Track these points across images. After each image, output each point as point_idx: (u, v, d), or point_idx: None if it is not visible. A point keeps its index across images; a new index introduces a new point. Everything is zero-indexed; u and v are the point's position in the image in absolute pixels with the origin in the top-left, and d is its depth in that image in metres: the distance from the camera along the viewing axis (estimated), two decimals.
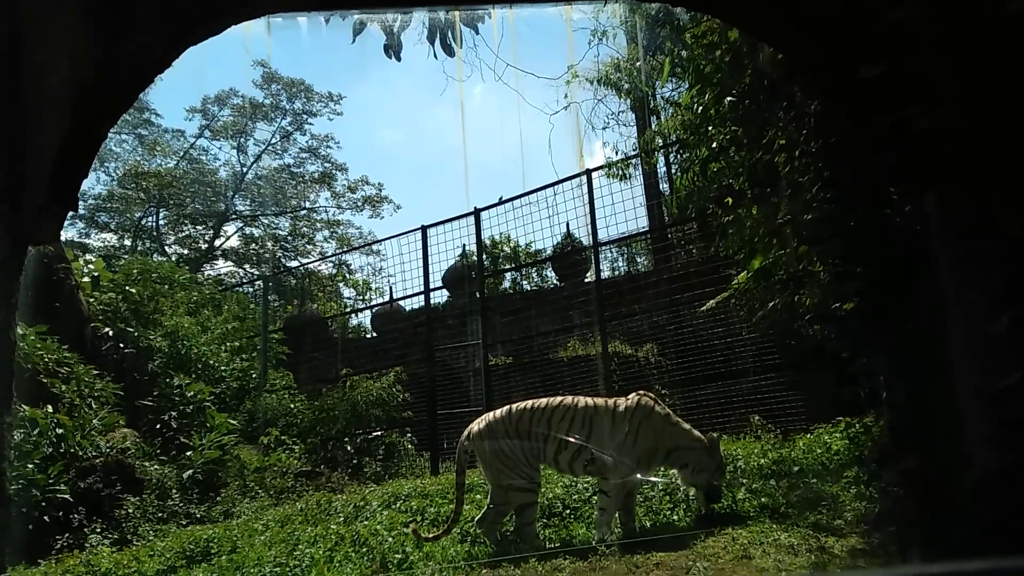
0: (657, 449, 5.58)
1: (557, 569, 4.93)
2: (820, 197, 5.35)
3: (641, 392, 5.87)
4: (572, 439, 5.66)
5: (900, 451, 4.94)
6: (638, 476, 5.66)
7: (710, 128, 6.65)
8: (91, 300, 11.47)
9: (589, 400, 5.84)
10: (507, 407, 5.95)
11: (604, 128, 16.72)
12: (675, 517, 5.80)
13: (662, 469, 5.86)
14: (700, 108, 6.61)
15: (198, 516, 8.54)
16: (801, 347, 7.29)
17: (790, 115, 5.62)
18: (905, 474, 4.89)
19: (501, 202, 11.05)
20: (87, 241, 25.96)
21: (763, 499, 5.73)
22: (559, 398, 5.92)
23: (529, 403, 5.92)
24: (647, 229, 11.55)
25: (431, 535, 5.87)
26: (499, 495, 5.75)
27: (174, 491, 8.74)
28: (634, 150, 12.38)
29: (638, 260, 14.15)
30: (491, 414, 6.00)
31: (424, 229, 11.61)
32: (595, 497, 5.85)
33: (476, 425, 5.96)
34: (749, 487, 5.95)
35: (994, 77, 2.89)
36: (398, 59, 5.73)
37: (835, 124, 4.83)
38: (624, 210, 14.84)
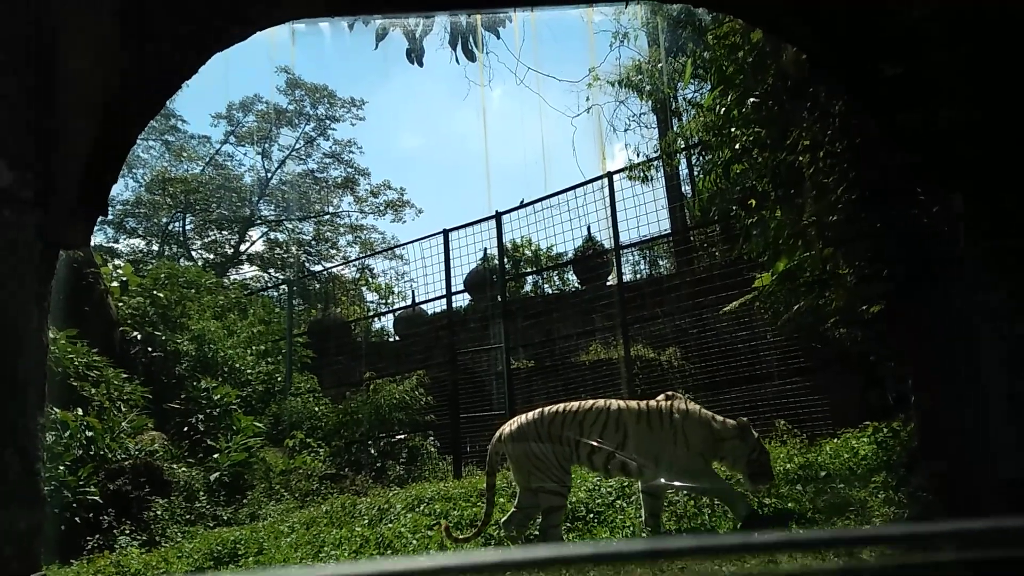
0: (703, 444, 5.57)
1: (581, 572, 4.91)
2: (845, 198, 5.29)
3: (670, 393, 5.85)
4: (594, 442, 5.67)
5: (929, 455, 4.86)
6: (662, 480, 5.64)
7: (733, 129, 6.60)
8: (120, 304, 11.67)
9: (622, 403, 5.84)
10: (539, 410, 5.98)
11: (626, 130, 16.71)
12: (701, 521, 5.75)
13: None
14: (723, 109, 6.57)
15: (225, 518, 8.64)
16: (827, 350, 7.20)
17: (814, 115, 5.57)
18: (935, 478, 4.81)
19: (522, 205, 11.06)
20: (116, 246, 26.44)
21: (790, 504, 5.67)
22: (591, 401, 5.94)
23: (561, 406, 5.93)
24: (669, 232, 11.49)
25: (462, 536, 5.90)
26: (527, 497, 5.77)
27: (201, 493, 8.85)
28: (656, 152, 12.34)
29: (660, 263, 14.08)
30: (523, 416, 6.02)
31: (446, 233, 11.66)
32: (619, 501, 5.84)
33: (507, 427, 5.99)
34: (776, 492, 5.89)
35: (1012, 76, 2.84)
36: (420, 64, 5.77)
37: (859, 124, 4.78)
38: (646, 213, 14.83)
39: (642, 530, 5.57)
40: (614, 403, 5.83)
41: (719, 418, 5.74)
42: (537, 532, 5.77)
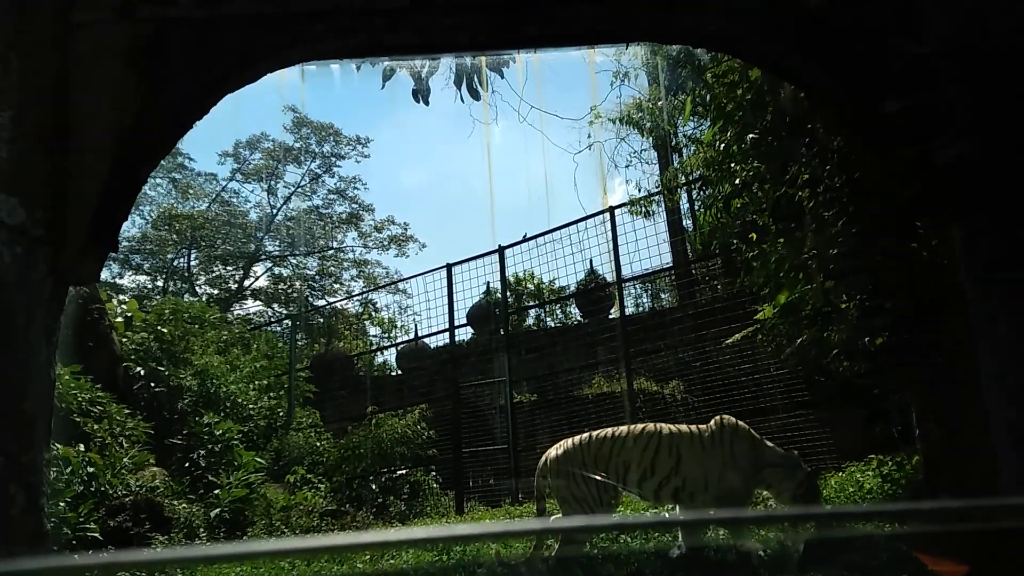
0: (754, 469, 5.46)
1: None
2: (845, 232, 5.34)
3: (723, 415, 5.79)
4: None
5: (935, 489, 4.83)
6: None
7: (733, 165, 6.68)
8: (124, 340, 11.69)
9: (674, 427, 5.74)
10: (585, 435, 5.87)
11: (627, 166, 16.91)
12: (710, 556, 5.69)
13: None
14: (722, 145, 6.66)
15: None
16: (830, 383, 7.18)
17: (813, 151, 5.65)
18: None
19: (525, 239, 11.14)
20: (120, 282, 26.57)
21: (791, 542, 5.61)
22: (640, 425, 5.83)
23: (609, 431, 5.82)
24: (671, 265, 11.54)
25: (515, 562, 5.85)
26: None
27: (202, 530, 8.77)
28: (657, 187, 12.46)
29: (662, 296, 14.11)
30: (567, 442, 5.92)
31: (449, 267, 11.72)
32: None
33: (553, 451, 5.89)
34: (780, 527, 5.83)
35: (1017, 110, 2.90)
36: (426, 103, 5.89)
37: (858, 159, 4.85)
38: (648, 246, 14.95)
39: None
40: (665, 427, 5.71)
41: (770, 444, 5.65)
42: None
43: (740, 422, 5.67)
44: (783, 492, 5.44)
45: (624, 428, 5.82)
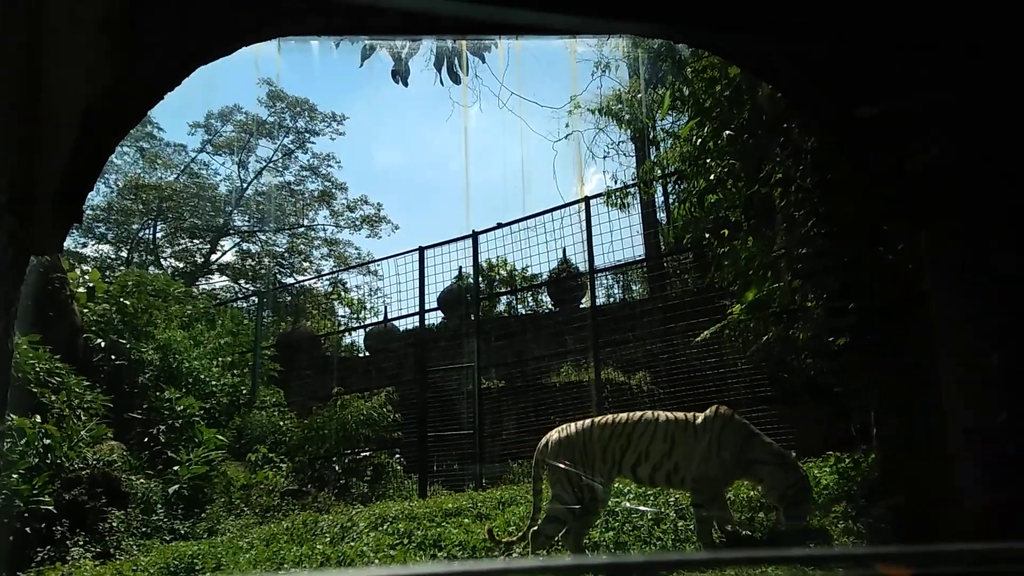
0: (739, 460, 5.61)
1: None
2: (815, 232, 5.42)
3: (718, 404, 5.92)
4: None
5: (889, 487, 4.95)
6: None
7: (708, 160, 6.73)
8: (85, 311, 11.44)
9: (670, 415, 5.93)
10: (588, 420, 6.06)
11: (604, 157, 16.89)
12: (663, 546, 5.78)
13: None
14: (699, 140, 6.70)
15: (182, 532, 8.46)
16: (793, 380, 7.31)
17: (787, 151, 5.71)
18: (893, 510, 4.90)
19: (499, 226, 11.11)
20: (83, 251, 25.94)
21: (752, 532, 5.73)
22: (639, 413, 6.02)
23: (609, 417, 6.02)
24: (643, 257, 11.61)
25: (507, 539, 5.94)
26: (559, 509, 5.76)
27: (159, 506, 8.66)
28: (633, 179, 12.52)
29: (633, 288, 14.21)
30: (568, 426, 6.08)
31: (422, 250, 11.66)
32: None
33: (555, 434, 6.04)
34: (738, 520, 5.94)
35: (988, 120, 2.95)
36: (405, 84, 5.80)
37: (831, 160, 4.91)
38: (621, 238, 15.02)
39: (695, 542, 5.60)
40: (662, 414, 5.92)
41: (766, 440, 5.77)
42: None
43: (736, 415, 5.80)
44: (774, 489, 5.57)
45: (623, 415, 6.02)
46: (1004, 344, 2.84)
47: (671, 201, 12.05)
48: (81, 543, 7.46)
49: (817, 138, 4.98)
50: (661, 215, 13.25)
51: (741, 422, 5.77)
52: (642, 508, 6.18)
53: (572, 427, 6.05)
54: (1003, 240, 2.91)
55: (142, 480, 8.86)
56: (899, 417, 4.75)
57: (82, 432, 8.95)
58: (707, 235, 7.12)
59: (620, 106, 12.68)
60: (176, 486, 9.08)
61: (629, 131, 13.31)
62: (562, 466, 5.82)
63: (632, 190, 11.03)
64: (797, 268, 5.72)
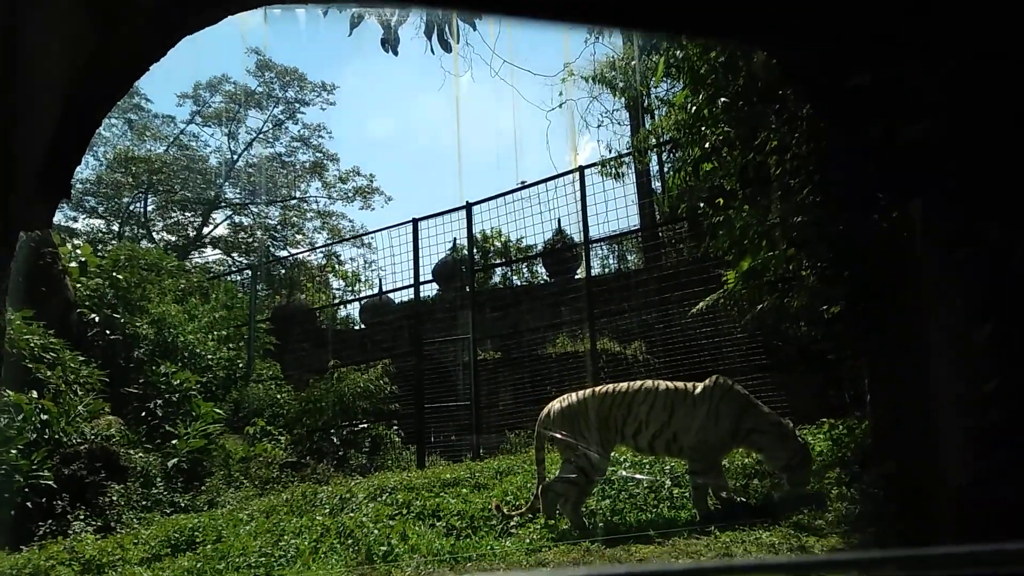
0: (736, 429, 5.70)
1: (541, 563, 4.97)
2: (810, 201, 5.40)
3: (717, 375, 5.98)
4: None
5: (881, 454, 5.01)
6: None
7: (703, 128, 6.67)
8: (78, 286, 11.39)
9: (670, 384, 6.03)
10: (589, 389, 6.16)
11: (599, 126, 16.78)
12: (659, 513, 5.86)
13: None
14: (694, 108, 6.63)
15: (182, 505, 8.53)
16: (788, 348, 7.35)
17: (782, 118, 5.66)
18: (885, 477, 4.96)
19: (492, 197, 11.06)
20: (74, 226, 25.75)
21: (747, 499, 5.81)
22: (639, 382, 6.12)
23: (610, 387, 6.12)
24: (638, 227, 11.59)
25: (511, 511, 6.02)
26: (571, 472, 5.83)
27: (158, 479, 8.72)
28: (628, 148, 12.43)
29: (628, 258, 14.19)
30: (571, 395, 6.18)
31: (415, 222, 11.61)
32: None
33: (557, 404, 6.13)
34: (733, 486, 6.02)
35: (981, 91, 2.92)
36: (395, 53, 5.71)
37: (826, 130, 4.88)
38: (616, 208, 14.94)
39: (690, 511, 5.67)
40: (662, 384, 6.02)
41: (765, 409, 5.85)
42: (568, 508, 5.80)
43: (736, 385, 5.86)
44: (776, 460, 5.68)
45: (624, 384, 6.11)
46: (993, 314, 2.85)
47: (666, 170, 11.99)
48: (82, 517, 7.52)
49: (811, 106, 4.94)
50: (656, 184, 13.19)
51: (740, 392, 5.84)
52: (638, 476, 6.25)
53: (573, 396, 6.11)
54: (993, 211, 2.91)
55: (140, 454, 8.91)
56: (891, 385, 4.79)
57: (79, 407, 8.97)
58: (702, 204, 7.10)
59: (614, 74, 12.54)
60: (175, 460, 9.13)
61: (623, 99, 13.19)
62: (562, 436, 5.89)
63: (627, 159, 10.95)
64: (792, 237, 5.71)
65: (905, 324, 4.13)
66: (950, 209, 2.90)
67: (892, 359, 4.62)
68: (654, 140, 10.32)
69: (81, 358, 9.79)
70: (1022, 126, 2.52)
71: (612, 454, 6.34)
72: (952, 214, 2.90)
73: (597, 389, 6.12)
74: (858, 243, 4.91)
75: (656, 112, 11.95)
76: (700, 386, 5.86)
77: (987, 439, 2.67)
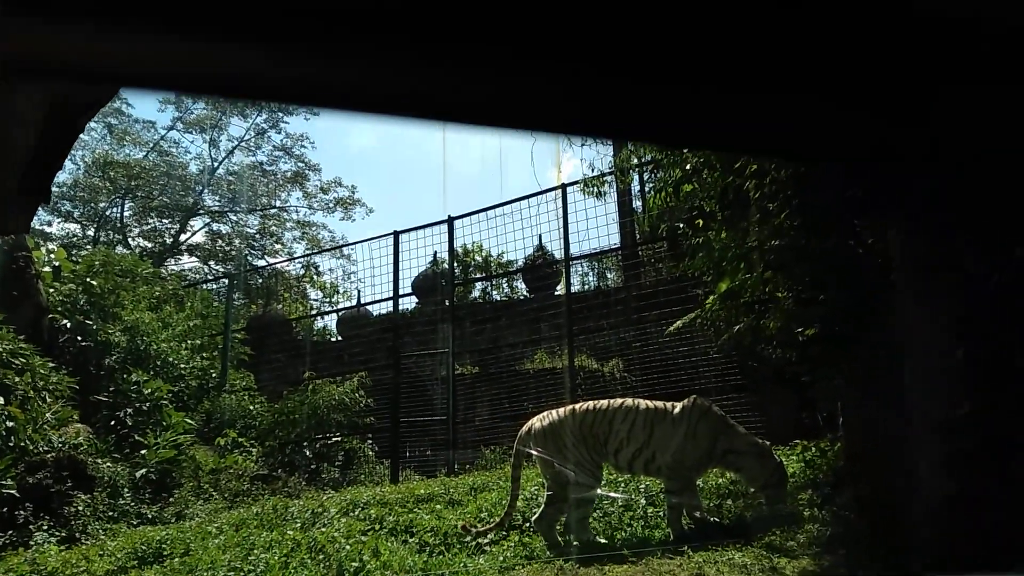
0: (713, 450, 5.73)
1: None
2: (788, 224, 5.48)
3: (696, 396, 6.02)
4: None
5: (854, 476, 5.06)
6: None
7: (684, 150, 6.75)
8: (51, 291, 11.20)
9: (649, 403, 6.04)
10: (569, 407, 6.16)
11: (582, 145, 16.84)
12: (632, 532, 5.85)
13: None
14: None
15: (150, 516, 8.37)
16: (763, 369, 7.41)
17: None
18: (857, 499, 5.01)
19: (475, 212, 11.08)
20: (49, 230, 25.35)
21: (720, 519, 5.82)
22: (619, 400, 6.13)
23: (591, 404, 6.11)
24: (619, 246, 11.66)
25: (481, 528, 5.94)
26: (557, 493, 5.79)
27: (126, 490, 8.55)
28: (610, 168, 12.53)
29: (608, 276, 14.27)
30: (553, 412, 6.16)
31: (396, 234, 11.59)
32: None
33: (537, 422, 6.09)
34: (707, 506, 6.03)
35: (960, 116, 2.99)
36: None
37: None
38: (597, 226, 15.02)
39: (664, 530, 5.67)
40: (642, 403, 6.02)
41: (741, 430, 5.90)
42: (563, 527, 5.81)
43: (713, 406, 5.91)
44: (755, 479, 5.73)
45: (604, 402, 6.12)
46: (967, 339, 2.91)
47: (647, 190, 12.10)
48: (45, 527, 7.34)
49: None
50: (637, 204, 13.30)
51: (717, 414, 5.89)
52: (612, 495, 6.25)
53: (554, 414, 6.11)
54: (969, 238, 2.97)
55: (109, 464, 8.74)
56: (865, 407, 4.84)
57: (47, 414, 8.79)
58: (682, 225, 7.17)
59: None
60: (143, 470, 8.97)
61: None
62: (539, 453, 5.88)
63: (608, 178, 11.05)
64: (769, 259, 5.78)
65: (879, 347, 4.19)
66: (927, 235, 2.96)
67: (866, 382, 4.68)
68: (636, 160, 10.42)
69: (51, 364, 9.61)
70: (1001, 152, 2.59)
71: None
72: (928, 240, 2.96)
73: (577, 407, 6.12)
74: (834, 267, 4.98)
75: None
76: (679, 406, 5.89)
77: (961, 461, 2.71)
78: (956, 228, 2.86)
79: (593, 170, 12.91)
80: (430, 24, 0.67)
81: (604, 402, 6.11)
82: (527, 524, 6.01)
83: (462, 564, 5.45)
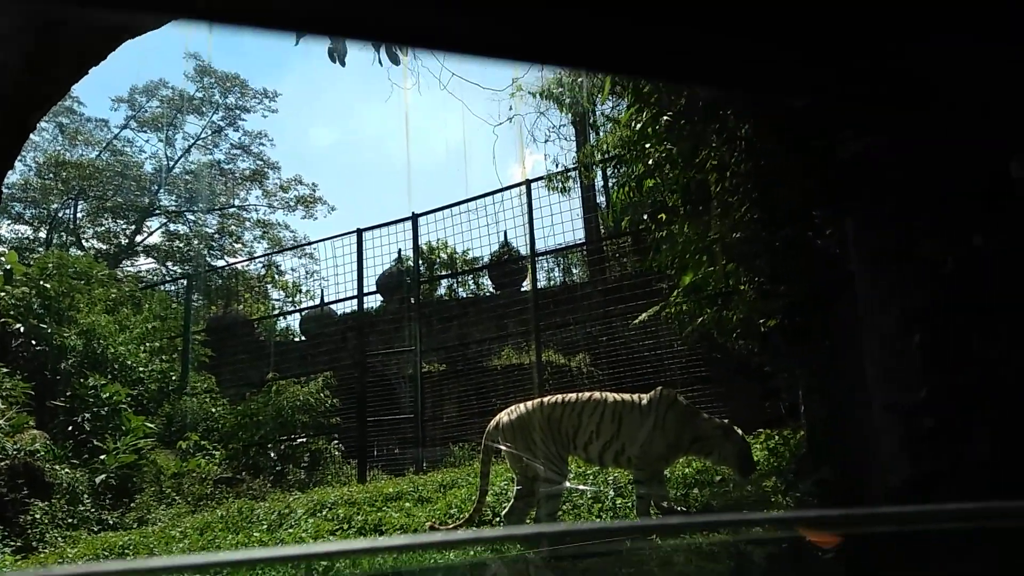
0: (681, 438, 5.78)
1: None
2: (748, 217, 5.58)
3: (662, 387, 6.05)
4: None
5: (817, 462, 5.18)
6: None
7: (647, 146, 6.82)
8: (2, 294, 10.86)
9: (617, 396, 6.06)
10: (537, 400, 6.16)
11: (546, 141, 16.94)
12: (603, 523, 5.91)
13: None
14: (638, 126, 6.78)
15: (111, 523, 8.19)
16: (727, 361, 7.54)
17: (723, 137, 5.84)
18: (820, 484, 5.13)
19: (439, 209, 11.05)
20: None
21: (687, 508, 5.91)
22: (588, 393, 6.14)
23: (559, 397, 6.12)
24: (584, 241, 11.73)
25: (451, 525, 5.90)
26: (526, 487, 5.79)
27: (86, 496, 8.35)
28: (573, 163, 12.60)
29: (574, 271, 14.35)
30: (520, 406, 6.13)
31: (360, 232, 11.48)
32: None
33: (505, 416, 6.06)
34: (673, 496, 6.12)
35: (918, 110, 3.08)
36: (342, 64, 5.64)
37: (765, 148, 5.05)
38: (562, 222, 15.12)
39: (633, 519, 5.71)
40: (610, 396, 6.04)
41: (705, 416, 5.98)
42: (533, 521, 5.81)
43: (679, 396, 5.97)
44: (726, 458, 5.79)
45: (572, 395, 6.14)
46: (923, 325, 3.00)
47: (611, 185, 12.19)
48: (0, 537, 7.13)
49: (750, 125, 5.10)
50: (601, 199, 13.39)
51: (683, 403, 5.96)
52: (581, 487, 6.30)
53: (522, 407, 6.10)
54: (923, 227, 3.06)
55: (67, 470, 8.52)
56: (826, 395, 4.96)
57: (1, 421, 8.53)
58: (645, 219, 7.24)
59: (561, 90, 12.72)
60: (103, 476, 8.77)
61: (570, 115, 13.38)
62: (507, 448, 5.88)
63: (572, 174, 11.12)
64: (731, 252, 5.88)
65: (839, 336, 4.29)
66: (883, 225, 3.04)
67: (826, 371, 4.79)
68: (599, 156, 10.50)
69: (4, 370, 9.33)
70: (953, 145, 2.67)
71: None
72: (883, 229, 3.04)
73: (546, 400, 6.14)
74: (794, 259, 5.09)
75: (601, 129, 12.17)
76: (646, 398, 5.95)
77: (919, 445, 2.79)
78: (910, 217, 2.94)
79: (557, 166, 13.00)
80: None
81: (572, 395, 6.14)
82: (497, 519, 6.02)
83: (432, 560, 5.44)
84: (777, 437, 6.71)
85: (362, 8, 0.68)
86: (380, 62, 5.98)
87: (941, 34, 0.91)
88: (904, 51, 0.93)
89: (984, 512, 0.97)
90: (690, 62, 0.84)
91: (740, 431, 5.95)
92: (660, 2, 0.74)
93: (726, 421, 6.02)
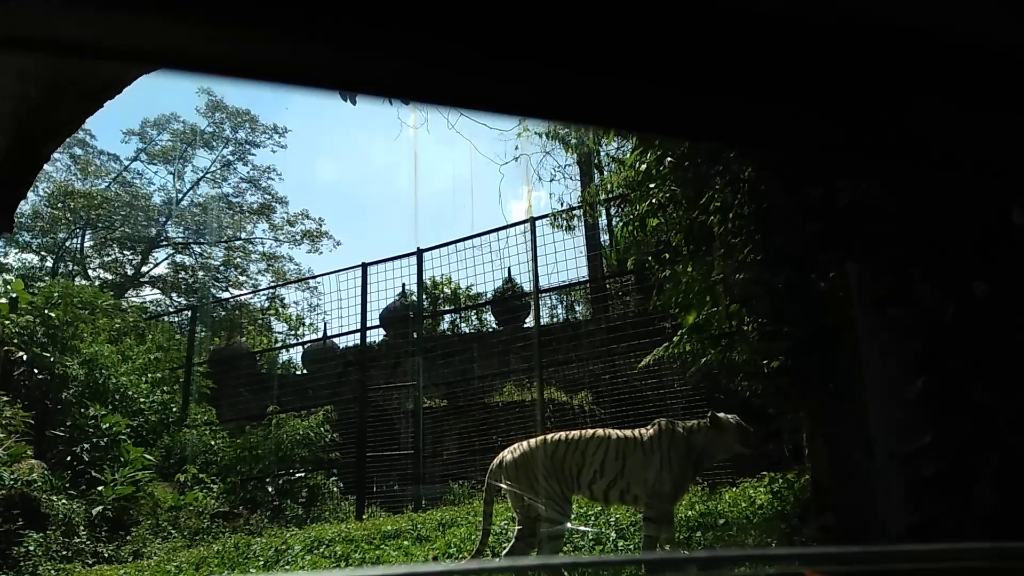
0: (686, 471, 5.73)
1: None
2: (751, 259, 5.60)
3: (662, 420, 6.01)
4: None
5: (820, 506, 5.12)
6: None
7: (651, 186, 6.89)
8: (7, 323, 10.89)
9: (620, 432, 5.98)
10: (540, 438, 6.06)
11: (551, 180, 17.12)
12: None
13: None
14: (642, 167, 6.85)
15: (106, 555, 8.09)
16: (730, 402, 7.49)
17: (725, 179, 5.90)
18: (823, 530, 5.06)
19: (444, 245, 11.12)
20: (6, 260, 24.73)
21: (690, 551, 5.82)
22: (591, 431, 6.06)
23: (561, 435, 6.04)
24: (587, 279, 11.77)
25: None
26: (528, 526, 5.71)
27: (81, 528, 8.26)
28: (578, 202, 12.71)
29: (577, 308, 14.37)
30: (523, 444, 6.05)
31: (364, 267, 11.54)
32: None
33: (508, 454, 5.98)
34: (678, 539, 6.03)
35: (915, 157, 3.12)
36: (353, 103, 5.73)
37: (767, 191, 5.10)
38: (566, 259, 15.22)
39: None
40: (613, 433, 5.96)
41: (695, 426, 5.86)
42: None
43: (678, 425, 5.88)
44: (731, 448, 5.72)
45: (576, 433, 6.05)
46: (925, 371, 2.99)
47: (615, 224, 12.26)
48: None
49: (753, 168, 5.16)
50: (605, 238, 13.46)
51: (682, 432, 5.87)
52: (583, 528, 6.22)
53: (525, 444, 6.04)
54: (924, 273, 3.07)
55: (64, 501, 8.44)
56: (829, 439, 4.92)
57: (0, 450, 8.50)
58: (649, 258, 7.28)
59: (567, 131, 12.90)
60: (100, 507, 8.69)
61: (575, 155, 13.53)
62: (508, 487, 5.82)
63: (577, 212, 11.20)
64: (734, 293, 5.89)
65: (843, 380, 4.28)
66: (885, 269, 3.06)
67: (830, 414, 4.76)
68: (603, 195, 10.60)
69: (6, 398, 9.31)
70: (953, 192, 2.70)
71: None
72: (886, 275, 3.05)
73: (549, 437, 6.08)
74: (797, 301, 5.09)
75: (606, 169, 12.29)
76: (647, 433, 5.89)
77: (921, 491, 2.76)
78: (910, 263, 2.96)
79: (562, 204, 13.10)
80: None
81: (576, 433, 6.08)
82: (498, 560, 5.93)
83: None
84: (781, 480, 6.63)
85: (371, 71, 0.71)
86: (390, 101, 6.07)
87: (940, 96, 0.93)
88: (905, 110, 0.95)
89: (985, 552, 0.96)
90: (693, 120, 0.87)
91: (722, 413, 5.87)
92: (668, 66, 0.77)
93: (711, 412, 5.94)
